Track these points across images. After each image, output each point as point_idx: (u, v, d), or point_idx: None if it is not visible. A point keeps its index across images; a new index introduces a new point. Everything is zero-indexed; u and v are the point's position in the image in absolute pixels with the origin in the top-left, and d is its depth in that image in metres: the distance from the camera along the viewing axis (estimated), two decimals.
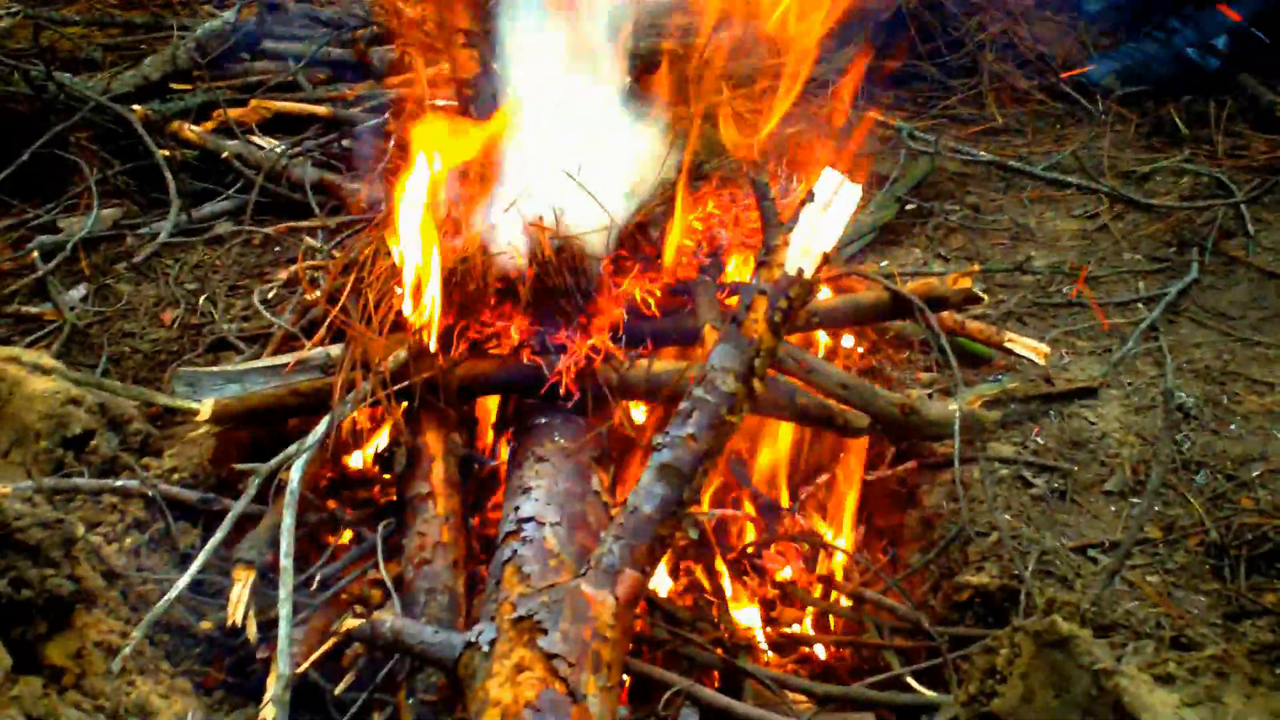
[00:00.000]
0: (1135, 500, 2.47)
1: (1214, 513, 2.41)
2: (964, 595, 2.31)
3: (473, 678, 1.83)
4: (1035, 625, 1.69)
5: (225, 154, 3.66)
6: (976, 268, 2.95)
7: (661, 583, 2.36)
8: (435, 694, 2.03)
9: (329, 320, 2.59)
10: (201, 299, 3.16)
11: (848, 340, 2.85)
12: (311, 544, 2.41)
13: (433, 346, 2.41)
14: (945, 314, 2.74)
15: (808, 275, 2.19)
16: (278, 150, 3.65)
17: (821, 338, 2.85)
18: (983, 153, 3.86)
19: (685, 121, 2.58)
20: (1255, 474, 2.50)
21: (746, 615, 2.40)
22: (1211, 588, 2.26)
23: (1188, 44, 4.19)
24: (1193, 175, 3.71)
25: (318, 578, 2.30)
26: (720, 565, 2.44)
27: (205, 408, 2.43)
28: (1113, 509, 2.47)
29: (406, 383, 2.40)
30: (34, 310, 3.12)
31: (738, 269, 2.66)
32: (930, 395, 2.72)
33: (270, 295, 3.11)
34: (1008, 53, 4.43)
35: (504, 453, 2.49)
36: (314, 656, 2.09)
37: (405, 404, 2.47)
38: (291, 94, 4.14)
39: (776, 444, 2.61)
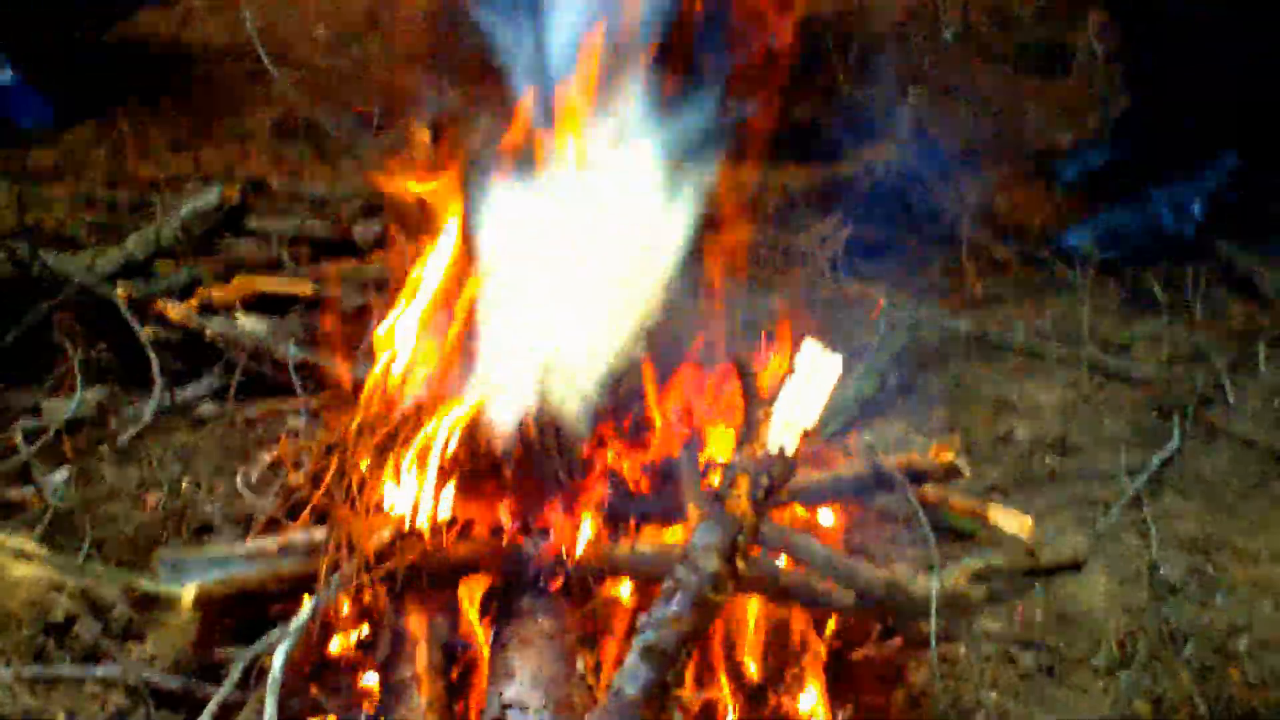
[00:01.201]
0: (1123, 675, 2.45)
1: (1203, 687, 2.40)
2: None
3: None
4: None
5: (209, 333, 3.66)
6: (957, 441, 2.96)
7: None
8: None
9: (312, 502, 2.60)
10: (184, 482, 3.15)
11: (828, 516, 2.84)
12: None
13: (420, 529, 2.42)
14: (928, 488, 2.75)
15: (789, 452, 2.20)
16: (261, 329, 3.65)
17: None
18: (963, 323, 3.88)
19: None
20: (1243, 646, 2.49)
21: None
22: None
23: (1163, 211, 4.23)
24: (1172, 343, 3.73)
25: None
26: None
27: (188, 593, 2.42)
28: (1101, 684, 2.45)
29: (390, 566, 2.40)
30: (16, 495, 3.10)
31: (720, 446, 2.66)
32: (915, 572, 2.72)
33: (254, 477, 3.10)
34: (986, 222, 4.46)
35: (487, 636, 2.48)
36: None
37: (388, 586, 2.47)
38: (275, 272, 4.15)
39: (758, 621, 2.60)
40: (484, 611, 2.57)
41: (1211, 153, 4.22)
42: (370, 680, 2.48)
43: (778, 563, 2.50)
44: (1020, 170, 4.74)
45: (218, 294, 3.86)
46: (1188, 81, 4.18)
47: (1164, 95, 4.34)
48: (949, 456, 2.65)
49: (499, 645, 2.35)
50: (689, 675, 2.39)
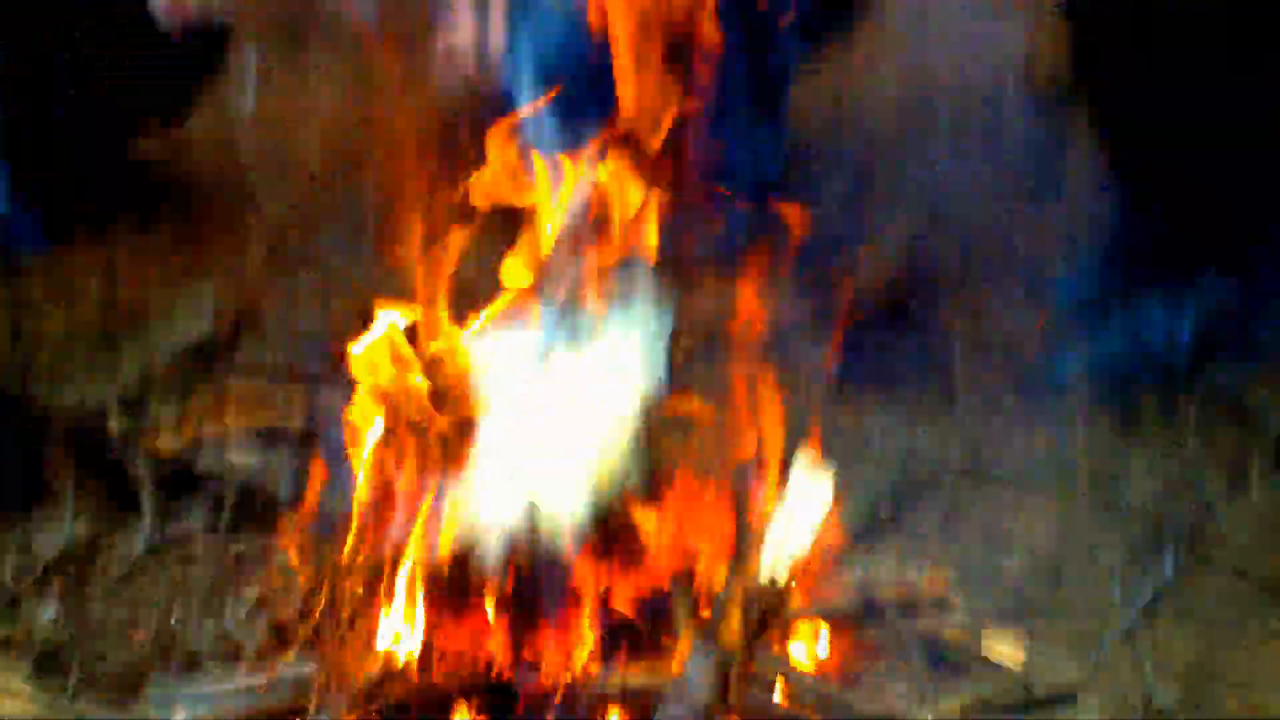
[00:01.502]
0: None
1: None
2: None
3: None
4: None
5: (200, 467, 3.65)
6: (949, 571, 2.95)
7: None
8: None
9: (300, 636, 2.59)
10: (174, 616, 3.13)
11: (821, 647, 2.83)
12: None
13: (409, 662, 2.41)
14: (921, 618, 2.73)
15: (781, 583, 2.20)
16: (252, 462, 3.64)
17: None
18: (954, 452, 3.86)
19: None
20: None
21: None
22: None
23: (1154, 335, 4.23)
24: (1164, 470, 3.72)
25: None
26: None
27: None
28: None
29: (380, 701, 2.39)
30: (4, 631, 3.08)
31: (711, 575, 2.65)
32: (909, 703, 2.70)
33: (243, 612, 3.08)
34: (976, 347, 4.46)
35: None
36: None
37: None
38: (267, 404, 4.14)
39: None
40: None
41: (1202, 276, 4.24)
42: None
43: (770, 694, 2.49)
44: (1010, 294, 4.74)
45: (210, 426, 3.86)
46: (1179, 206, 4.21)
47: (1155, 220, 4.37)
48: (941, 587, 2.64)
49: None
50: None
